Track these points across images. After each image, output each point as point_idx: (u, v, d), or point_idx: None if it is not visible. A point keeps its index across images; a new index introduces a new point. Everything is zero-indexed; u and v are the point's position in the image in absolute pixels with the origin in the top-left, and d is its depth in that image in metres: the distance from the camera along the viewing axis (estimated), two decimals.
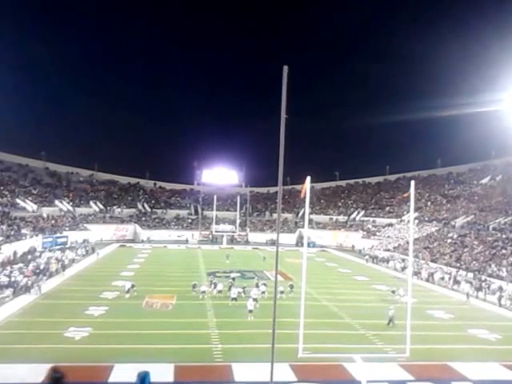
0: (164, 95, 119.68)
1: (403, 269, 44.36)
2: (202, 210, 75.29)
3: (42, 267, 35.12)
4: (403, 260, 47.02)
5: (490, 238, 46.50)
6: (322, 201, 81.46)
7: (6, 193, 57.40)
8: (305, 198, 14.29)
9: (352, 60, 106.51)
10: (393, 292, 31.72)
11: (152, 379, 15.50)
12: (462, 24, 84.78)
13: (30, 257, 41.17)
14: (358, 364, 14.83)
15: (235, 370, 17.06)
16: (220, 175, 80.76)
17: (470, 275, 38.20)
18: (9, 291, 27.69)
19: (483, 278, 36.94)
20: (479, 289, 34.08)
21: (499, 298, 31.28)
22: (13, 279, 29.59)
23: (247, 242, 69.39)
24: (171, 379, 15.77)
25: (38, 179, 69.89)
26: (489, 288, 34.41)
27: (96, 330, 21.33)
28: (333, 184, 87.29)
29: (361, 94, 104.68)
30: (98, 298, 27.95)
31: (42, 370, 16.16)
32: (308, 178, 15.37)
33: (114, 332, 21.44)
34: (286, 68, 11.72)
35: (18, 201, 57.40)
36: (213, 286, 30.64)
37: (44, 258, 40.36)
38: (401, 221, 65.66)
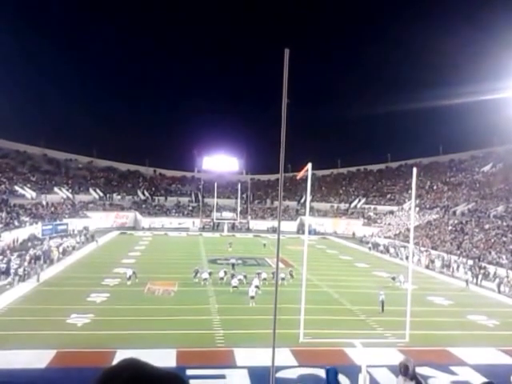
0: (164, 81, 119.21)
1: (403, 255, 44.52)
2: (203, 197, 75.26)
3: (42, 254, 35.18)
4: (404, 247, 47.16)
5: (490, 226, 46.57)
6: (323, 188, 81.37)
7: (5, 180, 57.11)
8: (304, 183, 14.30)
9: (354, 47, 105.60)
10: (393, 279, 31.88)
11: (154, 364, 15.80)
12: (465, 12, 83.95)
13: (30, 244, 41.25)
14: (358, 349, 14.97)
15: (237, 355, 17.26)
16: (221, 162, 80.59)
17: (470, 262, 38.35)
18: (10, 278, 27.83)
19: (483, 265, 37.09)
20: (479, 276, 34.25)
21: (498, 285, 31.47)
22: (14, 266, 29.66)
23: (248, 230, 69.54)
24: (173, 364, 15.93)
25: (36, 166, 69.49)
26: (488, 275, 34.59)
27: (98, 317, 21.47)
28: (334, 171, 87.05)
29: (362, 81, 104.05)
30: (100, 285, 28.06)
31: (45, 356, 16.42)
32: (309, 165, 15.34)
33: (116, 318, 21.60)
34: (287, 51, 11.58)
35: (16, 188, 57.24)
36: (223, 273, 30.50)
37: (45, 245, 40.44)
38: (402, 208, 65.70)
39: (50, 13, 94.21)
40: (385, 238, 56.41)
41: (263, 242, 50.99)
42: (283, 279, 28.47)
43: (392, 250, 49.01)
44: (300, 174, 15.19)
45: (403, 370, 7.54)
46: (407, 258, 43.95)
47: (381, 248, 51.52)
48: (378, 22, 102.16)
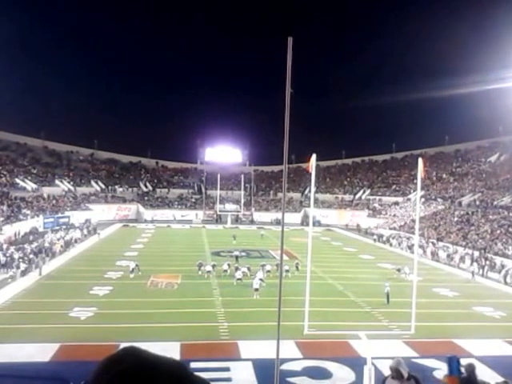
0: (166, 72, 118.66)
1: (408, 246, 44.25)
2: (206, 189, 75.05)
3: (44, 247, 35.06)
4: (409, 238, 46.89)
5: (496, 216, 46.19)
6: (327, 179, 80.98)
7: (5, 173, 56.87)
8: (308, 174, 14.06)
9: (359, 37, 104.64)
10: (398, 270, 31.61)
11: None
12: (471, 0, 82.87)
13: (31, 237, 41.19)
14: (363, 341, 14.78)
15: (241, 348, 17.17)
16: (223, 154, 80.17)
17: (476, 253, 38.04)
18: (12, 272, 27.75)
19: (489, 256, 36.77)
20: (485, 267, 33.97)
21: (505, 276, 31.20)
22: (16, 260, 29.54)
23: (252, 222, 69.33)
24: (178, 357, 15.80)
25: (37, 158, 69.21)
26: (494, 266, 34.31)
27: (101, 310, 21.38)
28: (338, 162, 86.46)
29: (367, 71, 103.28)
30: (103, 278, 27.93)
31: (48, 349, 16.36)
32: (313, 156, 15.08)
33: (120, 311, 21.51)
34: (290, 39, 11.31)
35: (17, 181, 57.04)
36: (227, 265, 30.32)
37: (47, 238, 40.34)
38: (407, 199, 65.30)
39: (50, 4, 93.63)
40: (390, 229, 56.10)
41: (261, 233, 51.52)
42: (287, 271, 28.20)
43: (395, 242, 48.72)
44: (309, 167, 14.91)
45: (396, 375, 7.06)
46: (409, 247, 43.91)
47: (386, 239, 51.25)
48: (383, 11, 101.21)
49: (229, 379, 14.82)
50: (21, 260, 29.48)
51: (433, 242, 44.68)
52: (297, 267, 30.27)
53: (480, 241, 41.43)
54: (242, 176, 70.73)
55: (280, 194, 73.57)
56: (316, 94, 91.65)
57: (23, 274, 28.04)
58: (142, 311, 21.40)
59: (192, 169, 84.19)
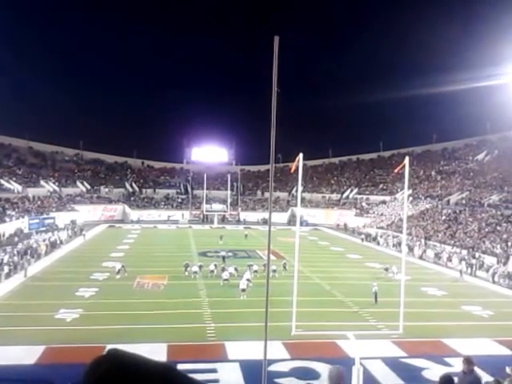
0: (151, 72, 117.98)
1: (395, 245, 44.42)
2: (192, 189, 74.65)
3: (29, 249, 34.53)
4: (396, 237, 47.04)
5: (484, 215, 46.45)
6: (314, 178, 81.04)
7: None
8: (295, 173, 13.93)
9: (345, 35, 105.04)
10: (386, 270, 31.64)
11: None
12: None
13: (16, 239, 40.58)
14: (351, 341, 14.71)
15: (228, 349, 17.05)
16: (210, 153, 79.89)
17: (464, 252, 38.23)
18: None
19: (477, 255, 36.94)
20: (473, 266, 34.13)
21: (493, 275, 31.35)
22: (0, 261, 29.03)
23: (239, 222, 69.13)
24: (164, 358, 15.58)
25: (21, 159, 68.35)
26: (482, 265, 34.48)
27: (87, 312, 21.15)
28: (325, 161, 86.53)
29: (354, 69, 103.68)
30: (88, 280, 27.59)
31: (34, 352, 16.10)
32: (300, 155, 14.97)
33: (106, 313, 21.26)
34: (276, 38, 11.26)
35: (2, 182, 56.26)
36: (213, 266, 30.09)
37: (32, 239, 39.76)
38: (394, 198, 65.56)
39: (33, 4, 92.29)
40: (377, 228, 56.26)
41: (245, 233, 51.77)
42: (275, 271, 28.04)
43: (382, 241, 48.88)
44: (293, 167, 14.82)
45: None
46: (395, 246, 44.07)
47: (373, 238, 51.38)
48: (370, 8, 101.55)
49: (216, 381, 14.67)
50: (5, 262, 28.96)
51: (420, 241, 44.87)
52: (284, 267, 30.12)
53: (468, 239, 41.63)
54: (229, 175, 70.47)
55: (267, 194, 73.41)
56: (303, 92, 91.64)
57: (8, 275, 27.59)
58: (128, 312, 21.15)
59: (178, 169, 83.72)
